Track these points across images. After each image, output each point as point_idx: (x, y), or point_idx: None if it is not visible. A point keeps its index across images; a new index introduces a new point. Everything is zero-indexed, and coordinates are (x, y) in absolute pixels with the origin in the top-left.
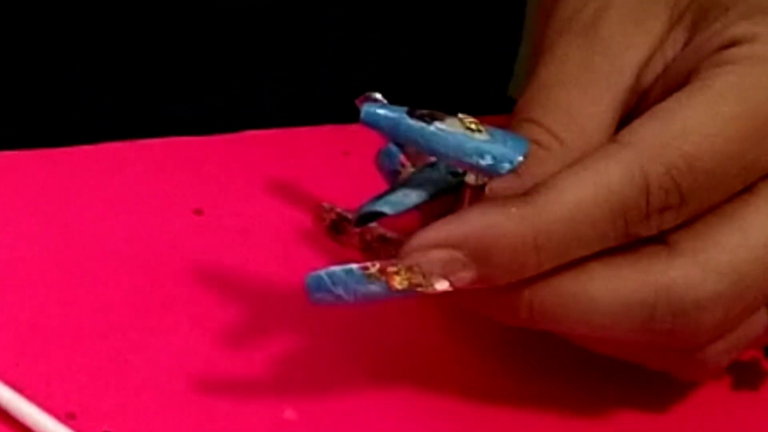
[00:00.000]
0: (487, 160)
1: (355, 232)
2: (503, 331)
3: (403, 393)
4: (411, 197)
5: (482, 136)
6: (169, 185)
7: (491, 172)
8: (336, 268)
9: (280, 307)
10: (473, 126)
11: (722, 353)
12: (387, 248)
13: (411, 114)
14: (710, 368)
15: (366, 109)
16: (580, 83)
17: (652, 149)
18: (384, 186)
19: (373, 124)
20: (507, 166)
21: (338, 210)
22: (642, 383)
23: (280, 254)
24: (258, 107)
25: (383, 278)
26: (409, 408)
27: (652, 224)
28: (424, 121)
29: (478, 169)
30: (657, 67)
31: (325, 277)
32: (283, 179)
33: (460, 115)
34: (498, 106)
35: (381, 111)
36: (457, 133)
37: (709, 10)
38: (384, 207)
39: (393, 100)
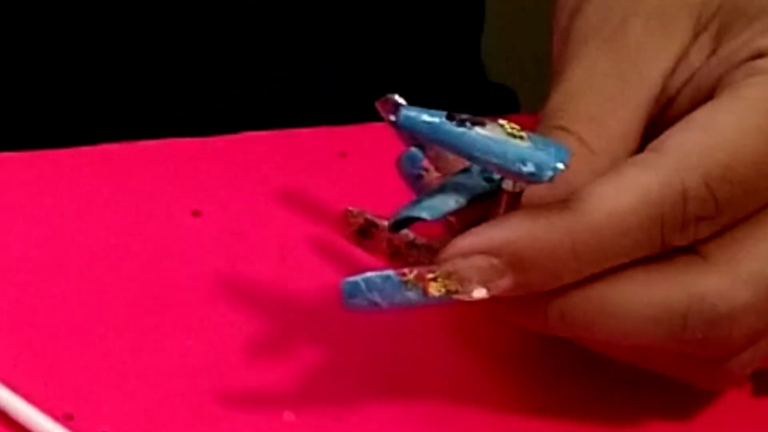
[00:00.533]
0: (529, 167)
1: (382, 237)
2: (506, 337)
3: (402, 396)
4: (449, 203)
5: (524, 143)
6: (166, 187)
7: (533, 179)
8: (373, 274)
9: (277, 308)
10: (515, 132)
11: (748, 363)
12: (415, 254)
13: (451, 118)
14: (735, 377)
15: (405, 112)
16: (607, 91)
17: (690, 159)
18: (384, 188)
19: (412, 127)
20: (549, 173)
21: (366, 215)
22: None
23: (278, 256)
24: (258, 107)
25: (420, 285)
26: (407, 411)
27: (687, 234)
28: (465, 126)
29: (520, 176)
30: (683, 75)
31: (362, 283)
32: (281, 180)
33: (501, 121)
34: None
35: (421, 114)
36: (499, 139)
37: (734, 20)
38: (422, 212)
39: None
